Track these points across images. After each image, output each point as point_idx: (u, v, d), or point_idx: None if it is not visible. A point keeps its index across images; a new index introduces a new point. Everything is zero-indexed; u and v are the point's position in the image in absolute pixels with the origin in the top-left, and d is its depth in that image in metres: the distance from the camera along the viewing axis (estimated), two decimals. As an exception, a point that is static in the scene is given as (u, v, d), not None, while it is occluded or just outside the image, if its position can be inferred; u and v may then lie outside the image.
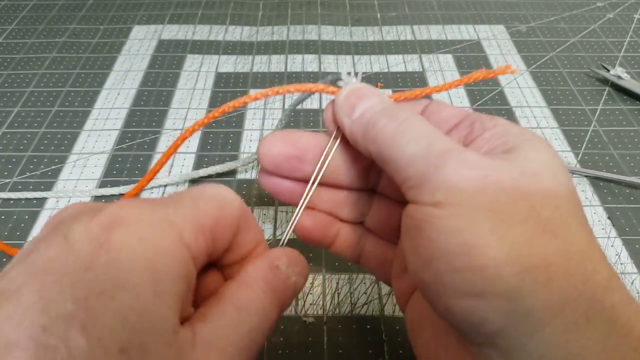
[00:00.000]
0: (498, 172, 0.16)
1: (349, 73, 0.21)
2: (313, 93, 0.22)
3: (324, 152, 0.21)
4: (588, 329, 0.14)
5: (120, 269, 0.13)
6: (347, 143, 0.21)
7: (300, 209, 0.22)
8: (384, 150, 0.18)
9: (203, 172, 0.36)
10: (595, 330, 0.14)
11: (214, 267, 0.19)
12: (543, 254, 0.15)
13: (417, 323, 0.20)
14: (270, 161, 0.21)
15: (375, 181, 0.23)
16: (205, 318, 0.16)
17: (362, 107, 0.19)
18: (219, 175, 0.36)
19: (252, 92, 0.44)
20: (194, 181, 0.36)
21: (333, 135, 0.21)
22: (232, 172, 0.36)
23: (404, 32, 0.52)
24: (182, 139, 0.23)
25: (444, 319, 0.17)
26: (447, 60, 0.48)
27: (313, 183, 0.21)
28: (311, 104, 0.43)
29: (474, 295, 0.15)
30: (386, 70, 0.47)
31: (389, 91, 0.22)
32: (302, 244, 0.32)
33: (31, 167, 0.37)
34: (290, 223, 0.22)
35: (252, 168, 0.37)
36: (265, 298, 0.18)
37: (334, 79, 0.22)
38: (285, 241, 0.22)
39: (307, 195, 0.22)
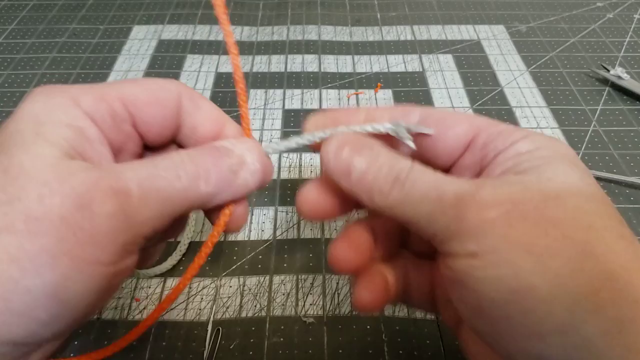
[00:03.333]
0: (519, 204, 0.16)
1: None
2: None
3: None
4: None
5: (14, 124, 0.17)
6: None
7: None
8: (398, 215, 0.18)
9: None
10: None
11: None
12: (588, 281, 0.14)
13: (478, 350, 0.20)
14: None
15: None
16: (120, 163, 0.18)
17: (358, 170, 0.18)
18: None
19: (252, 92, 0.44)
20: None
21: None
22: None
23: (404, 32, 0.52)
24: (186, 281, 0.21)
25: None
26: (447, 60, 0.48)
27: None
28: (311, 103, 0.43)
29: (529, 336, 0.15)
30: (386, 70, 0.47)
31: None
32: (302, 242, 0.32)
33: (31, 167, 0.37)
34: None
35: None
36: (186, 153, 0.19)
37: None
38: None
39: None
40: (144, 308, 0.28)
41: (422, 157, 0.21)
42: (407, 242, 0.23)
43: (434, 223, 0.17)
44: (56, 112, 0.18)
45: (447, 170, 0.20)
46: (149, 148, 0.22)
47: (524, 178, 0.17)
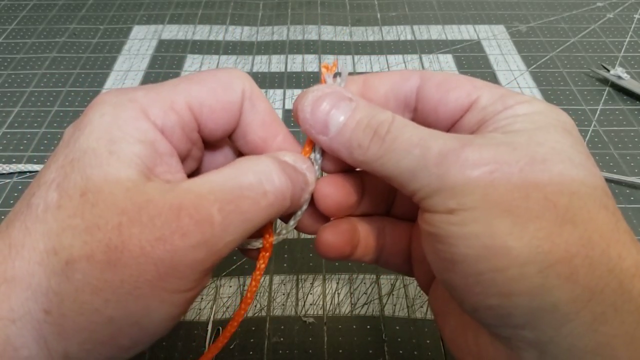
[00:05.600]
0: (504, 165, 0.15)
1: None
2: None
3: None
4: (616, 319, 0.14)
5: (85, 139, 0.17)
6: None
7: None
8: (377, 169, 0.17)
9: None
10: (624, 320, 0.14)
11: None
12: (564, 247, 0.14)
13: (443, 308, 0.20)
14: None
15: None
16: (197, 177, 0.17)
17: (336, 123, 0.18)
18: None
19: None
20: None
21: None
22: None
23: (404, 32, 0.52)
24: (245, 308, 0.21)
25: (471, 316, 0.17)
26: (447, 60, 0.48)
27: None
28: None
29: (498, 294, 0.15)
30: (386, 70, 0.47)
31: (346, 72, 0.20)
32: (301, 244, 0.32)
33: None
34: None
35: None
36: (270, 163, 0.18)
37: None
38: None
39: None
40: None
41: (424, 121, 0.20)
42: (392, 204, 0.23)
43: (415, 180, 0.16)
44: (127, 127, 0.17)
45: (446, 131, 0.20)
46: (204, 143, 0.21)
47: (513, 138, 0.16)
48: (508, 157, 0.16)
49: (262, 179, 0.17)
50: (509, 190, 0.15)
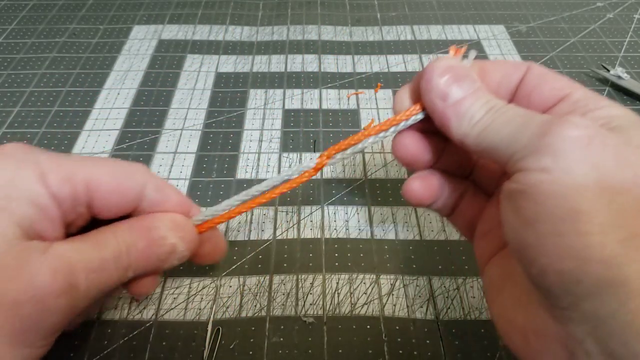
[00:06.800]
0: (603, 135, 0.16)
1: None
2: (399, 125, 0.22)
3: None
4: None
5: None
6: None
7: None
8: (480, 140, 0.19)
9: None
10: None
11: None
12: None
13: (496, 284, 0.21)
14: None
15: None
16: (69, 241, 0.20)
17: (457, 94, 0.19)
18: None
19: (252, 92, 0.44)
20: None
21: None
22: (231, 172, 0.36)
23: (404, 32, 0.52)
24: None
25: (534, 280, 0.17)
26: (447, 60, 0.48)
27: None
28: (311, 103, 0.43)
29: (573, 258, 0.15)
30: (386, 70, 0.47)
31: (473, 54, 0.22)
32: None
33: (31, 167, 0.37)
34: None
35: (252, 168, 0.37)
36: (123, 241, 0.21)
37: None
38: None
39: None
40: (144, 308, 0.28)
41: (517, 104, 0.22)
42: (472, 173, 0.25)
43: (514, 143, 0.17)
44: (23, 187, 0.19)
45: None
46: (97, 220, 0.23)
47: (611, 129, 0.17)
48: (607, 133, 0.16)
49: (115, 258, 0.20)
50: (603, 159, 0.16)
